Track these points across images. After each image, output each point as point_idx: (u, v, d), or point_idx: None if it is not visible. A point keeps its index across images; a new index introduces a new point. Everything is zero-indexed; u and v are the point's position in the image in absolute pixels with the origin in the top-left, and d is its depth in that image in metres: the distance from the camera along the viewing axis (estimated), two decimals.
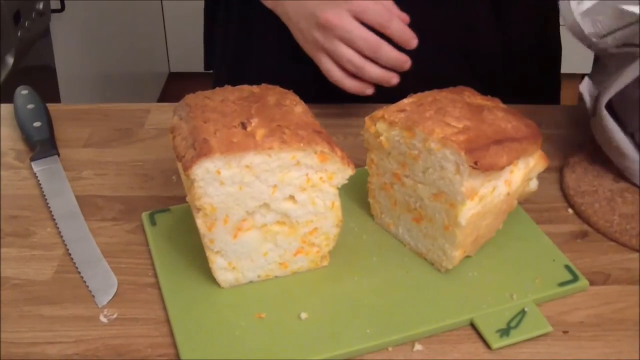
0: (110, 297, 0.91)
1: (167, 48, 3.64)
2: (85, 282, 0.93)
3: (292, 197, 0.87)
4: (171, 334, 0.86)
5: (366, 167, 0.99)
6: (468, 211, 0.87)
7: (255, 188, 0.85)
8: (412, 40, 1.07)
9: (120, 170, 1.14)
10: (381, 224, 1.01)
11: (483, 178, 0.87)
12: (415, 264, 0.95)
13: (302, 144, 0.84)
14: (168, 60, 3.68)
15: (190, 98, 0.93)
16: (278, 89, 0.94)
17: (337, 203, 0.90)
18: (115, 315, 0.89)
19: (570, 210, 1.05)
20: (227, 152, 0.82)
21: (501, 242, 0.97)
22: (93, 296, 0.91)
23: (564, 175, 1.10)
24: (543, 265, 0.93)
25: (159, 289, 0.92)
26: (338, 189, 0.89)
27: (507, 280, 0.91)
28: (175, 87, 3.55)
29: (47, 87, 2.16)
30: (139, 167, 1.15)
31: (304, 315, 0.86)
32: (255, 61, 1.33)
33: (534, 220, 1.00)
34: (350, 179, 0.89)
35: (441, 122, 0.88)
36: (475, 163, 0.84)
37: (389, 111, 0.92)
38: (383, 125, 0.92)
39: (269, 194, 0.86)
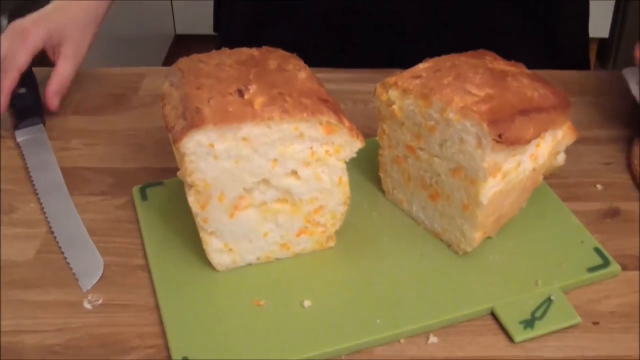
0: (95, 281, 0.84)
1: (172, 8, 3.52)
2: (68, 263, 0.86)
3: (294, 173, 0.79)
4: (161, 322, 0.79)
5: (377, 138, 0.91)
6: (490, 189, 0.79)
7: (254, 162, 0.77)
8: None
9: (111, 140, 1.07)
10: (393, 200, 0.93)
11: (507, 153, 0.79)
12: (430, 246, 0.87)
13: (305, 114, 0.76)
14: (174, 21, 3.57)
15: (183, 62, 0.85)
16: (280, 52, 0.86)
17: (345, 178, 0.82)
18: (100, 301, 0.82)
19: (599, 186, 0.96)
20: (222, 123, 0.73)
21: (524, 222, 0.89)
22: (77, 279, 0.84)
23: (634, 144, 1.01)
24: (570, 248, 0.86)
25: (149, 271, 0.85)
26: (346, 163, 0.81)
27: (531, 264, 0.84)
28: (181, 50, 3.42)
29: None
30: (132, 136, 1.07)
31: (307, 303, 0.80)
32: (268, 24, 1.23)
33: (560, 197, 0.93)
34: (360, 151, 0.81)
35: (461, 90, 0.80)
36: (499, 136, 0.76)
37: (402, 78, 0.84)
38: (396, 93, 0.85)
39: (268, 169, 0.78)
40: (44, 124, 1.07)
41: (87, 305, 0.82)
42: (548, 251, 0.85)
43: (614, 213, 0.93)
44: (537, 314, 0.78)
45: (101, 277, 0.84)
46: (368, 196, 0.94)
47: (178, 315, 0.79)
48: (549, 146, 0.84)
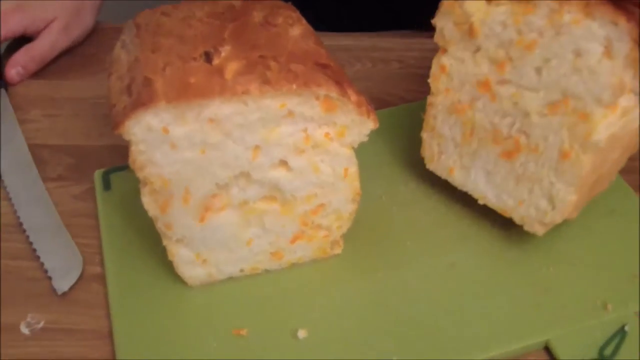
0: (73, 282, 0.69)
1: None
2: (40, 259, 0.71)
3: (284, 163, 0.61)
4: (114, 354, 0.63)
5: (402, 106, 0.70)
6: (608, 127, 0.62)
7: (227, 151, 0.58)
8: None
9: (76, 110, 0.90)
10: (437, 169, 0.74)
11: (635, 71, 0.61)
12: (467, 250, 0.70)
13: (295, 85, 0.56)
14: None
15: (142, 15, 0.66)
16: (269, 1, 0.66)
17: (353, 169, 0.63)
18: (41, 324, 0.67)
19: None
20: (179, 99, 0.54)
21: (588, 219, 0.71)
22: (50, 278, 0.69)
23: None
24: None
25: (106, 285, 0.68)
26: (354, 148, 0.62)
27: (598, 280, 0.67)
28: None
29: None
30: (101, 106, 0.90)
31: (301, 333, 0.63)
32: None
33: (632, 187, 0.76)
34: (374, 129, 0.63)
35: None
36: None
37: None
38: (477, 4, 0.67)
39: (248, 159, 0.59)
40: (6, 89, 0.92)
41: (25, 330, 0.66)
42: (618, 262, 0.68)
43: None
44: (607, 351, 0.61)
45: (47, 290, 0.69)
46: (387, 184, 0.76)
47: (136, 347, 0.62)
48: None
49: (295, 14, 0.65)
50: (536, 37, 0.64)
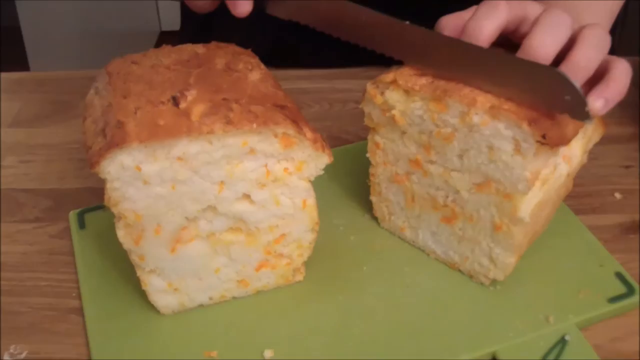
0: None
1: (157, 3, 3.40)
2: None
3: (247, 196, 0.66)
4: None
5: (358, 144, 0.76)
6: (530, 202, 0.66)
7: (195, 187, 0.63)
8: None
9: (50, 155, 0.94)
10: (390, 228, 0.79)
11: (546, 157, 0.65)
12: (420, 275, 0.74)
13: (255, 125, 0.61)
14: (159, 17, 3.45)
15: (113, 64, 0.71)
16: (231, 47, 0.72)
17: (311, 201, 0.68)
18: (24, 354, 0.70)
19: (618, 195, 0.82)
20: (150, 140, 0.59)
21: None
22: None
23: None
24: (587, 273, 0.74)
25: (84, 315, 0.71)
26: (311, 181, 0.67)
27: (541, 295, 0.72)
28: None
29: (9, 52, 1.93)
30: (75, 150, 0.94)
31: (268, 354, 0.67)
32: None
33: (572, 210, 0.81)
34: (335, 157, 0.68)
35: None
36: (543, 137, 0.62)
37: (403, 75, 0.69)
38: (396, 95, 0.70)
39: (214, 193, 0.64)
40: None
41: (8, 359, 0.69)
42: (560, 278, 0.73)
43: (637, 227, 0.79)
44: (550, 358, 0.65)
45: (29, 323, 0.72)
46: (345, 215, 0.81)
47: None
48: (580, 144, 0.71)
49: (255, 60, 0.71)
50: (451, 131, 0.68)
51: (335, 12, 0.72)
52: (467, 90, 0.66)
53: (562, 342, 0.67)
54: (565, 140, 0.64)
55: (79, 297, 0.74)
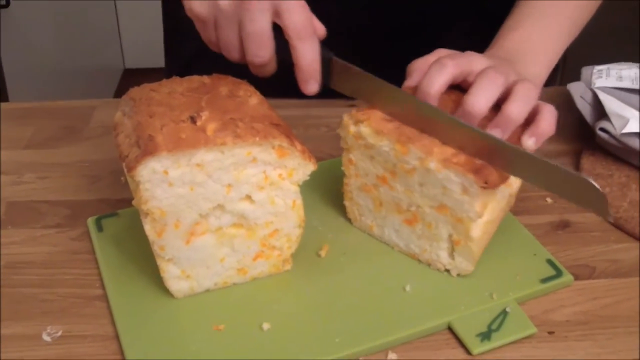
0: None
1: (120, 42, 3.53)
2: None
3: (249, 197, 0.80)
4: (121, 351, 0.79)
5: (330, 161, 0.91)
6: (480, 224, 0.81)
7: (208, 188, 0.77)
8: (312, 82, 0.85)
9: (65, 172, 1.06)
10: (361, 227, 0.93)
11: (491, 194, 0.80)
12: (387, 262, 0.88)
13: (257, 138, 0.76)
14: (122, 56, 3.57)
15: (134, 91, 0.85)
16: (230, 78, 0.87)
17: (299, 201, 0.83)
18: (59, 333, 0.81)
19: (549, 200, 0.98)
20: (175, 150, 0.74)
21: None
22: None
23: (582, 157, 1.05)
24: (523, 260, 0.88)
25: (108, 301, 0.84)
26: (299, 186, 0.81)
27: (486, 278, 0.85)
28: (130, 84, 3.42)
29: None
30: (86, 168, 1.06)
31: (266, 326, 0.80)
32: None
33: (511, 212, 0.93)
34: (312, 172, 0.82)
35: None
36: (486, 182, 0.77)
37: (374, 118, 0.83)
38: (368, 130, 0.83)
39: (223, 194, 0.78)
40: None
41: (46, 338, 0.81)
42: (502, 264, 0.87)
43: (564, 225, 0.95)
44: (494, 326, 0.79)
45: (60, 309, 0.84)
46: (321, 217, 0.95)
47: (138, 343, 0.78)
48: None
49: (251, 88, 0.85)
50: (412, 168, 0.81)
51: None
52: (427, 141, 0.79)
53: (503, 313, 0.80)
54: (504, 181, 0.79)
55: (102, 287, 0.85)
